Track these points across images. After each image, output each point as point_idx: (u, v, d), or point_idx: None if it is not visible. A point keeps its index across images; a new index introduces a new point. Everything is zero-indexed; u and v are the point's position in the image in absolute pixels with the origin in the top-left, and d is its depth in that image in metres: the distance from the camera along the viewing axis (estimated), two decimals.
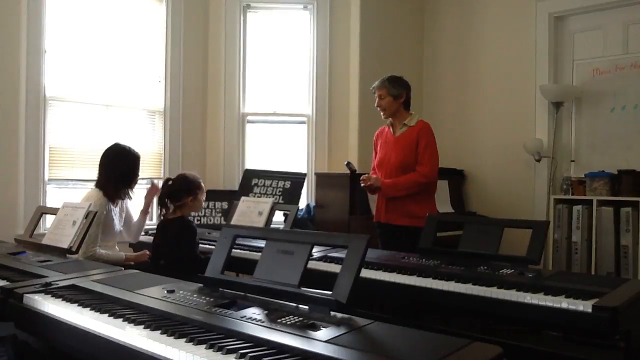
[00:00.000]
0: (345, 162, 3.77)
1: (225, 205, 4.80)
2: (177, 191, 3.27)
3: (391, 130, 3.62)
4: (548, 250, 4.41)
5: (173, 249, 3.17)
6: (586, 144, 4.75)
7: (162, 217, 3.38)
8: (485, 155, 5.26)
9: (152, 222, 4.99)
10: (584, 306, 2.00)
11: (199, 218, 4.76)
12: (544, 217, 4.62)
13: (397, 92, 3.54)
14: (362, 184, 3.50)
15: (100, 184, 3.37)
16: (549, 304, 2.09)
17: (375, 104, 3.60)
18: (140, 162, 3.52)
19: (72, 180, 4.58)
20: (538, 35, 4.91)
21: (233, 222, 3.82)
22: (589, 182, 4.42)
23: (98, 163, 3.48)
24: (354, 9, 5.27)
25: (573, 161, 4.80)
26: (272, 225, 3.84)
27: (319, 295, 1.69)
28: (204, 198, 3.41)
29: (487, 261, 2.67)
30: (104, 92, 4.70)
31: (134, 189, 3.52)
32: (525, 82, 4.97)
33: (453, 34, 5.53)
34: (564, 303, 2.06)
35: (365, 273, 2.53)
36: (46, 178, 4.36)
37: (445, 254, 2.86)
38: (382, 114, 3.61)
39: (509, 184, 5.09)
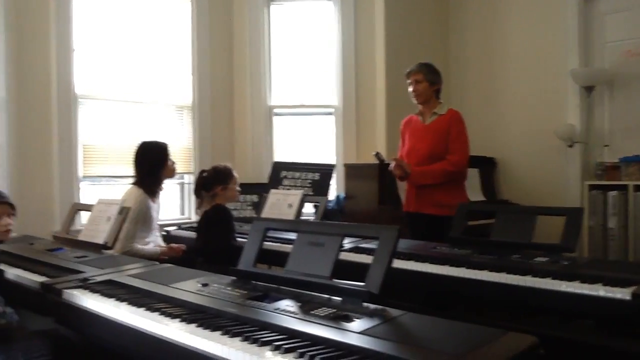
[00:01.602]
0: (374, 152, 3.75)
1: (255, 198, 4.83)
2: (207, 182, 3.35)
3: (420, 119, 3.59)
4: (583, 237, 4.33)
5: (210, 237, 3.23)
6: (620, 128, 4.64)
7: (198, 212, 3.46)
8: (516, 142, 5.19)
9: (184, 217, 5.08)
10: (622, 294, 1.96)
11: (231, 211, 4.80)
12: (577, 204, 4.53)
13: (433, 79, 3.50)
14: (392, 166, 3.47)
15: (139, 181, 3.44)
16: (586, 292, 2.06)
17: (411, 89, 3.55)
18: (169, 149, 3.58)
19: (104, 176, 4.67)
20: (567, 18, 4.80)
21: (263, 214, 3.85)
22: (623, 167, 4.32)
23: (130, 160, 3.56)
24: None
25: (607, 146, 4.69)
26: (302, 217, 3.85)
27: (352, 287, 1.69)
28: (237, 187, 3.44)
29: (520, 250, 2.64)
30: (133, 89, 4.77)
31: (168, 176, 3.58)
32: (555, 67, 4.87)
33: (479, 18, 5.45)
34: (601, 291, 2.02)
35: (396, 263, 2.52)
36: (80, 175, 4.45)
37: (477, 243, 2.83)
38: (414, 99, 3.56)
39: (540, 171, 5.01)
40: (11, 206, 2.47)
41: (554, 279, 2.19)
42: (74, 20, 4.40)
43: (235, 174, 3.43)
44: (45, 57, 4.27)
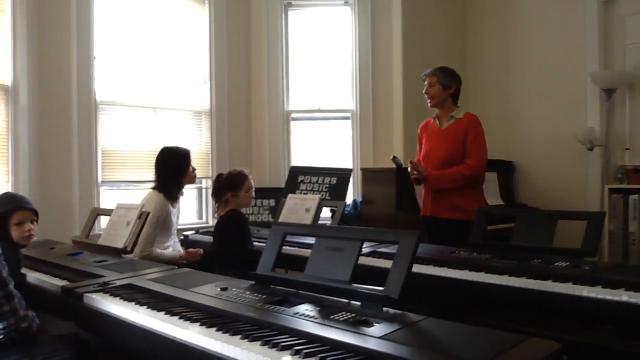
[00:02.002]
0: (391, 157, 3.74)
1: (272, 202, 4.85)
2: (218, 188, 3.36)
3: (437, 122, 3.57)
4: (603, 242, 4.27)
5: (224, 242, 3.24)
6: None
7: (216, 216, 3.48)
8: (534, 145, 5.14)
9: (202, 221, 5.10)
10: None
11: (247, 216, 4.81)
12: (597, 208, 4.48)
13: (447, 82, 3.49)
14: (409, 169, 3.46)
15: (159, 186, 3.46)
16: (608, 297, 2.02)
17: (424, 91, 3.56)
18: (190, 155, 3.60)
19: (124, 182, 4.71)
20: (587, 20, 4.75)
21: (280, 219, 3.85)
22: None
23: (149, 165, 3.58)
24: (395, 1, 5.22)
25: (628, 149, 4.62)
26: (319, 222, 3.85)
27: (371, 292, 1.68)
28: (249, 193, 3.42)
29: (541, 254, 2.61)
30: (152, 95, 4.82)
31: (188, 182, 3.60)
32: (575, 70, 4.82)
33: (497, 21, 5.42)
34: (623, 296, 1.99)
35: (415, 268, 2.49)
36: (99, 180, 4.50)
37: (497, 248, 2.80)
38: (428, 101, 3.56)
39: (560, 175, 4.96)
40: (34, 212, 2.50)
41: (575, 283, 2.16)
42: (95, 29, 4.46)
43: (249, 180, 3.40)
44: (67, 65, 4.34)
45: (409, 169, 3.47)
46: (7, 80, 3.98)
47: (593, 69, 4.64)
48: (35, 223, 2.50)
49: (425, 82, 3.55)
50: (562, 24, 4.93)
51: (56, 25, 4.30)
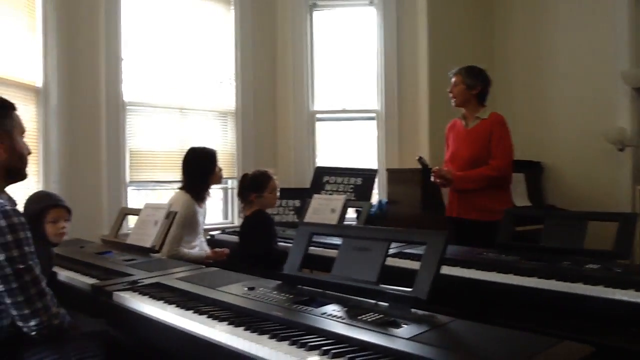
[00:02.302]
0: (417, 157, 3.72)
1: (297, 203, 4.85)
2: (243, 189, 3.38)
3: (463, 123, 3.54)
4: (635, 244, 4.18)
5: (250, 243, 3.25)
6: None
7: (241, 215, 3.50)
8: (563, 146, 5.06)
9: (227, 221, 5.14)
10: None
11: (272, 216, 4.83)
12: (628, 210, 4.39)
13: (471, 83, 3.45)
14: (433, 178, 3.44)
15: (187, 186, 3.49)
16: None
17: (448, 90, 3.54)
18: (217, 156, 3.62)
19: (151, 182, 4.76)
20: (617, 16, 4.65)
21: (306, 219, 3.85)
22: None
23: (175, 165, 3.61)
24: (421, 0, 5.19)
25: None
26: (344, 222, 3.84)
27: (399, 292, 1.67)
28: (273, 194, 3.42)
29: (571, 256, 2.57)
30: (178, 96, 4.87)
31: (215, 182, 3.63)
32: (605, 68, 4.73)
33: (525, 20, 5.34)
34: None
35: (442, 269, 2.48)
36: (127, 180, 4.55)
37: (525, 249, 2.76)
38: (452, 101, 3.54)
39: (589, 175, 4.87)
40: (68, 211, 2.54)
41: (606, 286, 2.11)
42: (122, 31, 4.52)
43: (273, 181, 3.41)
44: (95, 67, 4.41)
45: (432, 178, 3.45)
46: (38, 82, 4.05)
47: (624, 67, 4.55)
48: (68, 221, 2.54)
49: (452, 81, 3.53)
50: (592, 20, 4.84)
51: (85, 28, 4.38)
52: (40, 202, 2.49)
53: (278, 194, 3.48)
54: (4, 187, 1.90)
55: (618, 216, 2.71)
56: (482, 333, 1.44)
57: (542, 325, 2.34)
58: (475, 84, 3.46)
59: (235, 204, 5.07)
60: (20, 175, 1.96)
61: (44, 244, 2.36)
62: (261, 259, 3.13)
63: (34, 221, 2.41)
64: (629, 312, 2.02)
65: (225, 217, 5.20)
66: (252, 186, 3.35)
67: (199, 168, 3.51)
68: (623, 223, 2.57)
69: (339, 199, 3.86)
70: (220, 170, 3.63)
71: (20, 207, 1.89)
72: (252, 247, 3.25)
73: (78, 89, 4.33)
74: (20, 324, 1.73)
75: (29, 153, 1.98)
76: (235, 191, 3.69)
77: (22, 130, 1.96)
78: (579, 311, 2.21)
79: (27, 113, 3.83)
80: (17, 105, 1.96)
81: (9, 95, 1.98)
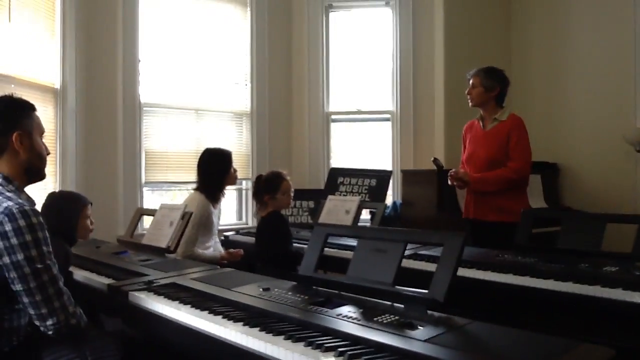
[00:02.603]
0: (432, 158, 3.70)
1: (311, 204, 4.85)
2: (257, 190, 3.38)
3: (481, 124, 3.51)
4: None
5: (266, 244, 3.26)
6: None
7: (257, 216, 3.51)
8: (580, 147, 5.00)
9: (242, 222, 5.15)
10: None
11: (287, 217, 4.83)
12: None
13: (489, 84, 3.42)
14: (450, 180, 3.43)
15: (202, 187, 3.50)
16: None
17: (466, 91, 3.51)
18: (232, 157, 3.63)
19: (166, 182, 4.79)
20: (637, 15, 4.58)
21: (320, 220, 3.85)
22: None
23: (191, 166, 3.63)
24: (437, 0, 5.17)
25: None
26: (359, 224, 3.83)
27: (416, 294, 1.66)
28: (287, 195, 3.38)
29: (589, 258, 2.53)
30: (194, 97, 4.89)
31: (230, 183, 3.64)
32: (624, 67, 4.66)
33: (542, 20, 5.29)
34: None
35: (458, 271, 2.47)
36: (143, 181, 4.58)
37: (543, 251, 2.74)
38: (469, 102, 3.51)
39: (606, 177, 4.81)
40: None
41: (625, 289, 2.08)
42: (140, 33, 4.56)
43: (286, 182, 3.38)
44: (113, 68, 4.45)
45: (449, 182, 3.43)
46: (56, 83, 4.09)
47: None
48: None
49: (470, 82, 3.50)
50: (611, 19, 4.78)
51: (103, 30, 4.42)
52: (78, 200, 2.56)
53: (292, 195, 3.47)
54: (24, 187, 1.92)
55: (637, 218, 2.68)
56: (500, 335, 1.42)
57: (559, 328, 2.32)
58: (494, 86, 3.43)
59: (249, 205, 5.08)
60: (40, 176, 1.98)
61: (61, 243, 2.38)
62: (277, 260, 3.13)
63: (68, 219, 2.46)
64: None
65: (240, 218, 5.21)
66: (266, 187, 3.34)
67: (214, 169, 3.52)
68: None
69: (353, 200, 3.85)
70: (236, 171, 3.64)
71: (39, 207, 1.91)
72: (268, 249, 3.25)
73: (95, 90, 4.37)
74: (37, 323, 1.74)
75: (48, 153, 2.00)
76: (250, 192, 3.70)
77: (41, 131, 1.98)
78: (596, 314, 2.19)
79: (45, 114, 3.87)
80: (35, 107, 1.98)
81: (28, 96, 2.00)
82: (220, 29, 5.06)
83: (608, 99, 4.79)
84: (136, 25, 4.53)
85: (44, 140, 1.99)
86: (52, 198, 2.60)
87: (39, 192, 3.58)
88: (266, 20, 5.22)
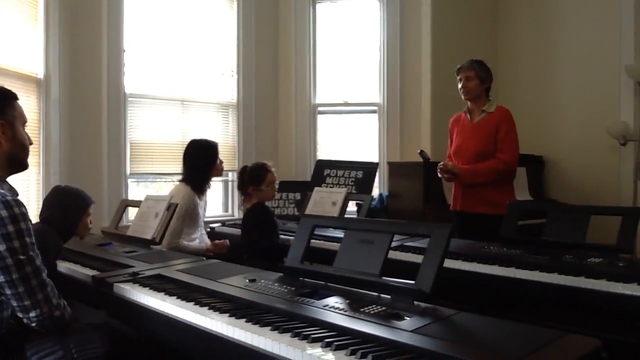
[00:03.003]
0: (419, 151, 3.71)
1: (298, 196, 4.84)
2: (242, 182, 3.36)
3: (468, 116, 3.52)
4: (636, 238, 4.17)
5: (251, 236, 3.25)
6: None
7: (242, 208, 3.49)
8: (565, 140, 5.04)
9: (228, 213, 5.13)
10: None
11: (272, 209, 4.82)
12: (630, 204, 4.38)
13: (485, 76, 3.45)
14: (440, 173, 3.43)
15: (187, 179, 3.48)
16: None
17: (460, 85, 3.49)
18: (218, 148, 3.61)
19: (151, 174, 4.75)
20: (622, 10, 4.61)
21: (307, 212, 3.84)
22: None
23: (176, 158, 3.60)
24: None
25: None
26: (345, 215, 3.83)
27: (402, 285, 1.66)
28: (271, 187, 3.35)
29: (573, 250, 2.56)
30: (180, 88, 4.85)
31: (216, 175, 3.62)
32: (609, 62, 4.70)
33: (529, 14, 5.31)
34: None
35: (444, 262, 2.48)
36: (128, 172, 4.54)
37: (528, 243, 2.76)
38: (463, 96, 3.50)
39: (591, 170, 4.85)
40: None
41: (609, 280, 2.10)
42: (125, 22, 4.49)
43: (271, 173, 3.35)
44: (97, 58, 4.39)
45: (439, 174, 3.44)
46: (40, 73, 4.03)
47: (628, 61, 4.52)
48: None
49: (461, 76, 3.48)
50: (596, 14, 4.81)
51: (87, 18, 4.35)
52: (85, 199, 2.57)
53: (277, 186, 3.45)
54: (6, 177, 1.89)
55: (622, 210, 2.71)
56: (486, 326, 1.43)
57: (544, 318, 2.34)
58: (488, 78, 3.46)
59: (235, 196, 5.06)
60: (22, 166, 1.95)
61: (57, 237, 2.37)
62: (263, 252, 3.12)
63: (73, 216, 2.46)
64: (631, 306, 2.01)
65: (226, 209, 5.19)
66: (250, 179, 3.33)
67: (200, 160, 3.50)
68: (627, 217, 2.57)
69: (340, 192, 3.85)
70: (222, 162, 3.61)
71: (22, 197, 1.88)
72: (254, 241, 3.24)
73: (79, 80, 4.31)
74: (20, 315, 1.72)
75: (31, 143, 1.97)
76: (236, 184, 3.68)
77: (24, 121, 1.95)
78: (581, 304, 2.21)
79: (27, 104, 3.82)
80: (18, 96, 1.94)
81: (10, 86, 1.97)
82: (207, 19, 5.02)
83: (593, 93, 4.83)
84: (121, 14, 4.47)
85: (26, 130, 1.96)
86: (57, 192, 2.57)
87: (21, 183, 3.55)
88: (253, 10, 5.18)
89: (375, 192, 5.03)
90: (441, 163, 3.45)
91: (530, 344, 1.25)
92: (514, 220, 2.92)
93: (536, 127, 5.13)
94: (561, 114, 5.07)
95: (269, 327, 1.49)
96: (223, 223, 4.40)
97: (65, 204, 2.48)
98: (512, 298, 2.54)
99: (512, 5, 5.44)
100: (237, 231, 3.76)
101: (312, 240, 3.17)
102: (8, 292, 1.69)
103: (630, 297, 2.00)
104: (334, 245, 1.99)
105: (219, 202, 5.18)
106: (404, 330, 1.40)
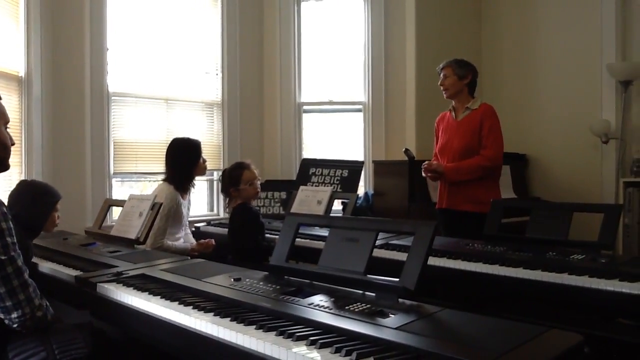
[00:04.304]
0: (404, 149, 3.72)
1: (283, 195, 4.84)
2: (224, 185, 3.36)
3: (453, 114, 3.55)
4: (618, 235, 4.22)
5: (236, 235, 3.24)
6: None
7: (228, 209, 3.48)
8: (548, 138, 5.09)
9: (213, 213, 5.11)
10: None
11: (257, 208, 4.81)
12: (612, 202, 4.43)
13: (462, 73, 3.47)
14: (424, 172, 3.45)
15: (170, 178, 3.45)
16: (626, 290, 1.99)
17: (439, 83, 3.54)
18: (202, 147, 3.58)
19: (135, 173, 4.72)
20: (604, 10, 4.67)
21: (292, 211, 3.84)
22: None
23: (160, 157, 3.58)
24: None
25: None
26: (331, 214, 3.83)
27: (387, 283, 1.67)
28: (252, 185, 3.31)
29: (556, 247, 2.58)
30: (164, 86, 4.82)
31: (199, 174, 3.59)
32: (591, 61, 4.75)
33: (512, 13, 5.35)
34: None
35: (429, 260, 2.49)
36: (111, 172, 4.50)
37: (512, 240, 2.78)
38: (444, 93, 3.53)
39: (574, 168, 4.91)
40: None
41: (591, 276, 2.13)
42: (108, 20, 4.46)
43: (247, 171, 3.31)
44: (80, 56, 4.35)
45: (423, 173, 3.46)
46: (21, 71, 3.99)
47: (609, 60, 4.58)
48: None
49: (441, 75, 3.53)
50: (579, 14, 4.86)
51: (70, 16, 4.31)
52: (53, 194, 2.54)
53: (258, 183, 3.40)
54: None
55: (603, 207, 2.74)
56: (470, 322, 1.44)
57: (528, 315, 2.36)
58: (466, 74, 3.48)
59: (220, 196, 5.02)
60: (3, 166, 1.93)
61: (24, 236, 2.33)
62: (249, 252, 3.12)
63: (41, 211, 2.43)
64: (613, 302, 2.03)
65: (211, 209, 5.17)
66: (229, 181, 3.32)
67: (182, 159, 3.47)
68: (608, 214, 2.59)
69: (325, 191, 3.85)
70: (205, 161, 3.59)
71: (3, 198, 1.86)
72: (239, 241, 3.23)
73: (62, 79, 4.27)
74: (2, 316, 1.70)
75: (13, 144, 1.95)
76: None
77: (6, 120, 1.92)
78: (564, 301, 2.24)
79: (9, 103, 3.77)
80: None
81: None
82: (191, 17, 4.99)
83: (575, 92, 4.88)
84: (104, 12, 4.43)
85: (8, 129, 1.93)
86: (24, 186, 2.53)
87: (3, 183, 3.51)
88: (237, 9, 5.16)
89: (361, 191, 5.04)
90: (425, 162, 3.47)
91: (513, 339, 1.26)
92: (497, 218, 2.94)
93: (519, 126, 5.18)
94: (544, 113, 5.12)
95: (254, 326, 1.48)
96: (208, 222, 4.38)
97: (32, 200, 2.44)
98: (496, 295, 2.56)
99: (496, 5, 5.48)
100: (222, 230, 3.75)
101: (298, 239, 3.19)
102: None
103: (612, 292, 2.03)
104: (320, 244, 1.99)
105: (204, 202, 5.16)
106: (389, 328, 1.40)
